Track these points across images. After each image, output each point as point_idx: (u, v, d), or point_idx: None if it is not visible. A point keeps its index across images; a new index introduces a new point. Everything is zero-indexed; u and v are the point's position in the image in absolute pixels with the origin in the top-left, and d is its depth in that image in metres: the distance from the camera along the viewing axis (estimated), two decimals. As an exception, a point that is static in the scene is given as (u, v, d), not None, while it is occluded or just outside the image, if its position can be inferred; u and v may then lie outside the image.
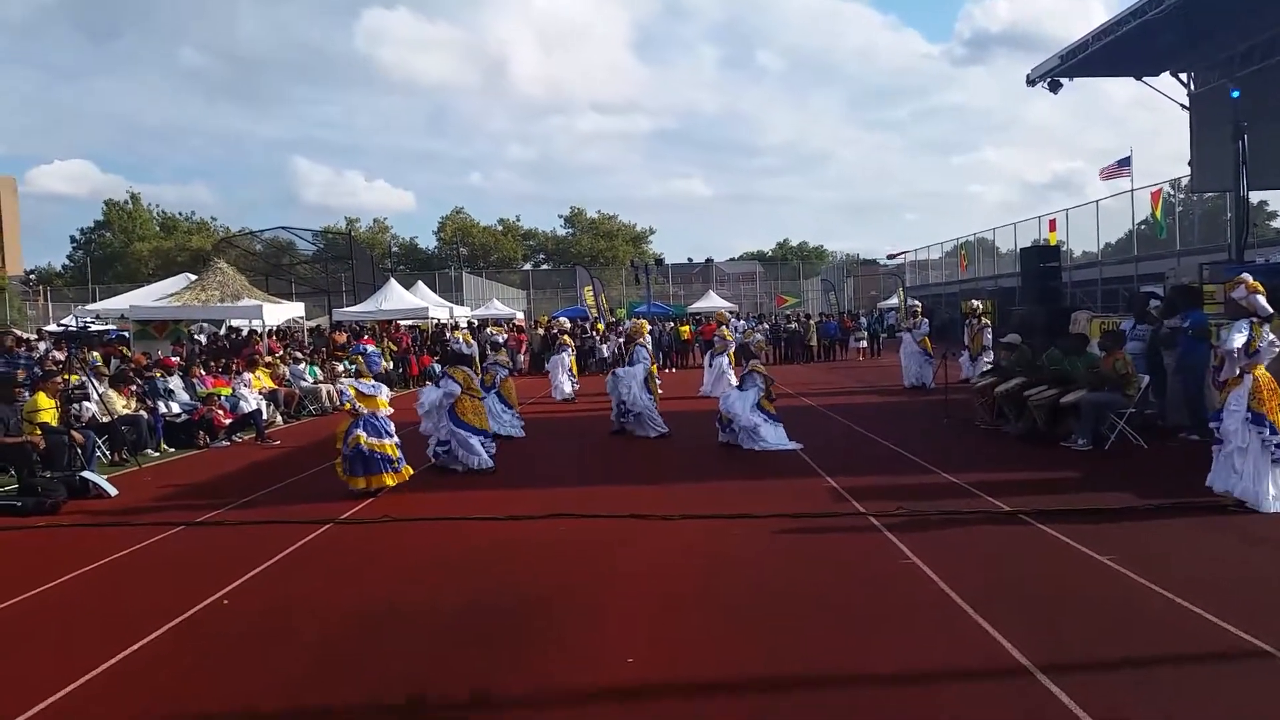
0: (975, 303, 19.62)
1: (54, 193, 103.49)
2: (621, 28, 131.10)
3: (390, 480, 9.00)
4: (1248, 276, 7.45)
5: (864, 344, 31.54)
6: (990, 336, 18.94)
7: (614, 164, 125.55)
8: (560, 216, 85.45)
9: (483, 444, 10.35)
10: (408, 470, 9.22)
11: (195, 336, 24.17)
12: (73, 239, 76.71)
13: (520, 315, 42.89)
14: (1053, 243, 30.01)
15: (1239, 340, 7.12)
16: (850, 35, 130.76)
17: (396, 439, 9.19)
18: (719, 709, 4.02)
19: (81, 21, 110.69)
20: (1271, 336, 7.23)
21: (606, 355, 26.16)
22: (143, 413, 13.03)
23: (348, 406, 9.21)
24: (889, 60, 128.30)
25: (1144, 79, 21.11)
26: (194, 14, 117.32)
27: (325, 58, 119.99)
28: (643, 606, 5.48)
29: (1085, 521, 6.93)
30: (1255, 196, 20.43)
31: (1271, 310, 7.27)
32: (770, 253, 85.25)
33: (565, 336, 21.86)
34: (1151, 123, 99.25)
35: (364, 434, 8.92)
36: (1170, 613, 4.94)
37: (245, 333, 24.83)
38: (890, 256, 51.87)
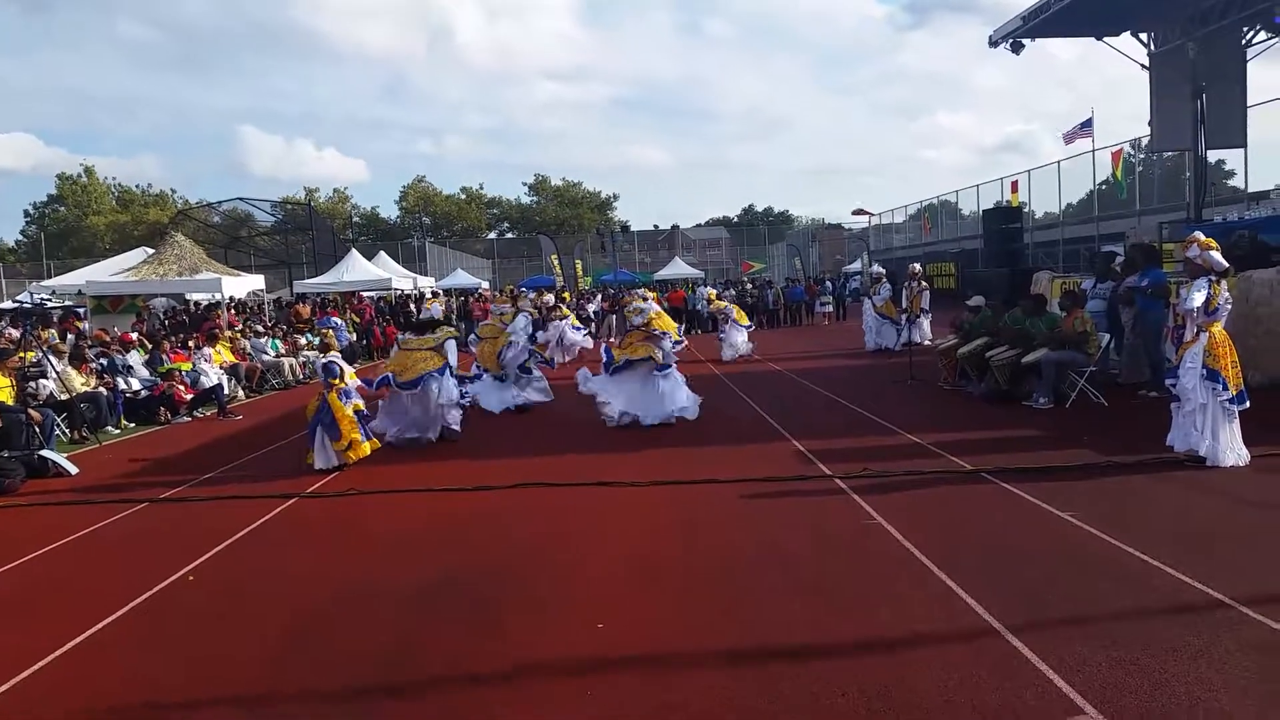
0: (915, 266, 20.01)
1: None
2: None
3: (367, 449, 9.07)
4: (1199, 234, 7.51)
5: (829, 308, 31.67)
6: (928, 299, 19.60)
7: (574, 131, 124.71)
8: (524, 184, 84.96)
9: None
10: (373, 443, 9.19)
11: (155, 312, 23.73)
12: (26, 214, 74.89)
13: (485, 285, 42.61)
14: (1015, 204, 30.28)
15: (1199, 299, 7.19)
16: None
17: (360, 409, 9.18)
18: (689, 674, 4.04)
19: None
20: (1227, 293, 7.32)
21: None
22: (102, 389, 12.81)
23: (338, 383, 9.14)
24: (843, 23, 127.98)
25: (1104, 39, 21.16)
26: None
27: (269, 27, 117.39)
28: (613, 573, 5.49)
29: (1047, 479, 7.03)
30: (1214, 155, 20.66)
31: (1227, 265, 7.35)
32: (736, 218, 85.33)
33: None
34: (1101, 84, 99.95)
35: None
36: (1131, 567, 5.03)
37: (204, 306, 24.47)
38: (855, 213, 52.04)
